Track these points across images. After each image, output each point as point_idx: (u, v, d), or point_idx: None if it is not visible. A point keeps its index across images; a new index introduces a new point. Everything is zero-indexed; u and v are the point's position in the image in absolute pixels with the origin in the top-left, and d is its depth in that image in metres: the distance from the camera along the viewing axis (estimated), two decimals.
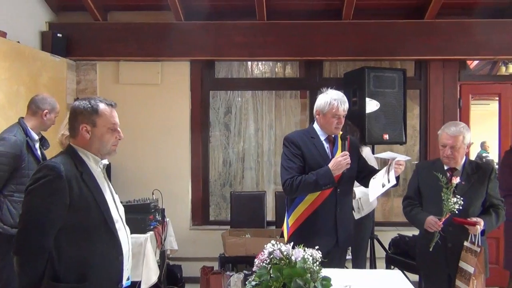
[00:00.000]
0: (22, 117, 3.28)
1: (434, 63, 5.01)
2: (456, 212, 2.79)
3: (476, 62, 5.50)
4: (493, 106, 5.50)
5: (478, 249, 2.78)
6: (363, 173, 3.04)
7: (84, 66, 5.06)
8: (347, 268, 3.54)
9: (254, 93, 5.38)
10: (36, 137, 3.28)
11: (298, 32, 4.88)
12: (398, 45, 4.84)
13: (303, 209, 2.87)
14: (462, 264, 2.85)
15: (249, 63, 5.45)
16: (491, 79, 5.38)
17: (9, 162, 3.06)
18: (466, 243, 2.86)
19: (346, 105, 2.86)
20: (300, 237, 2.68)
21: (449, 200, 2.77)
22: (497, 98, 5.15)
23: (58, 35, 4.71)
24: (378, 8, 4.95)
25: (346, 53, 4.90)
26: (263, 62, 5.46)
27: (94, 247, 1.97)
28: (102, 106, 2.04)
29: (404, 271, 3.48)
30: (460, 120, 4.98)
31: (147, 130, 5.02)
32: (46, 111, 3.28)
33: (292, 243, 1.99)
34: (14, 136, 3.11)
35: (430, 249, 2.89)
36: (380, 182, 2.78)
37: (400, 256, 4.08)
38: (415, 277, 3.89)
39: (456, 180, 2.83)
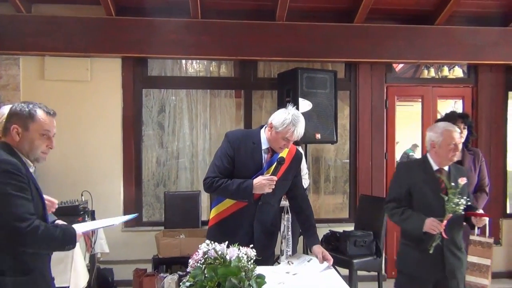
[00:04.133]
0: None
1: (362, 66, 5.22)
2: (462, 212, 2.75)
3: (401, 65, 5.80)
4: (416, 107, 5.82)
5: (491, 240, 2.81)
6: (292, 192, 2.96)
7: (5, 60, 4.76)
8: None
9: (189, 92, 5.31)
10: None
11: (233, 31, 4.89)
12: (329, 47, 5.00)
13: (223, 208, 2.83)
14: (472, 259, 2.82)
15: (183, 61, 5.39)
16: (414, 82, 5.72)
17: None
18: (472, 237, 2.85)
19: (301, 132, 2.76)
20: (218, 233, 2.65)
21: (452, 201, 2.73)
22: (420, 100, 5.48)
23: None
24: (310, 11, 5.06)
25: (280, 54, 4.98)
26: (198, 61, 5.42)
27: None
28: (39, 112, 2.11)
29: (335, 266, 3.59)
30: (386, 121, 5.25)
31: (75, 129, 4.80)
32: None
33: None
34: None
35: (431, 251, 2.78)
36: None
37: (332, 251, 4.19)
38: (345, 272, 4.06)
39: (463, 181, 2.78)
